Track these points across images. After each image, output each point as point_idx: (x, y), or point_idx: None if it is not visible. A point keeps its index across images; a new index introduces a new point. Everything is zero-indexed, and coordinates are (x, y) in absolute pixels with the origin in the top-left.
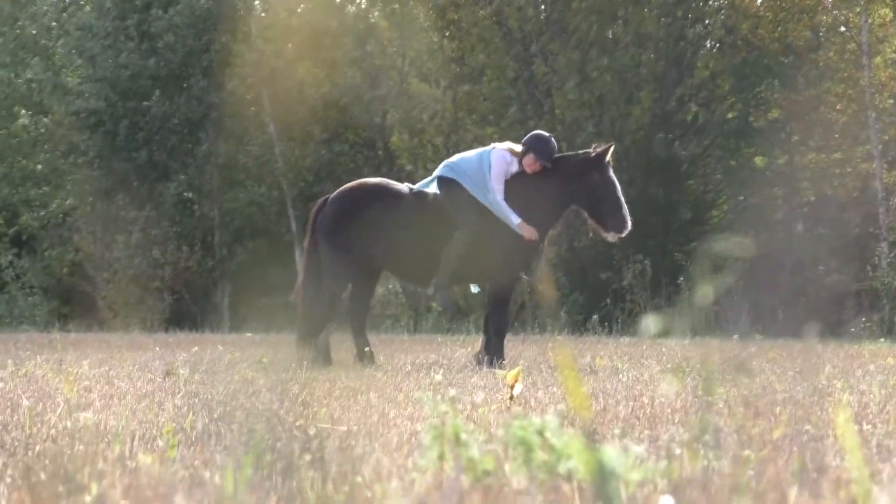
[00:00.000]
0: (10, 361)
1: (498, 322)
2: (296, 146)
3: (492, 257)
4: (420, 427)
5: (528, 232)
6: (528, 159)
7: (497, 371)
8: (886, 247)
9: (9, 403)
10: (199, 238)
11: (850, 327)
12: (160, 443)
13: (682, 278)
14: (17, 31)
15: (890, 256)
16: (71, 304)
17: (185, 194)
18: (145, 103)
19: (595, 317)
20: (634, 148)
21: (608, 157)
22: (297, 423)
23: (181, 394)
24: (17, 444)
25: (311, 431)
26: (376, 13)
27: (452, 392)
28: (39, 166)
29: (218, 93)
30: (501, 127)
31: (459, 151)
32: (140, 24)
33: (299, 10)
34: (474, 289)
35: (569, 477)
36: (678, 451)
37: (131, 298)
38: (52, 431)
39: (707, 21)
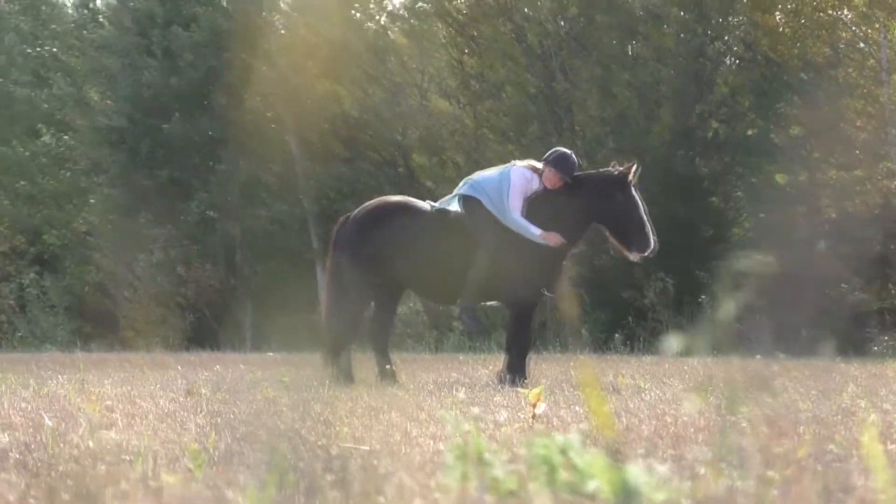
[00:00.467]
0: (32, 381)
1: (520, 341)
2: (317, 164)
3: (513, 276)
4: (443, 446)
5: (553, 238)
6: (549, 173)
7: (520, 390)
8: None
9: (31, 423)
10: (222, 256)
11: (873, 346)
12: (184, 462)
13: (704, 296)
14: (39, 49)
15: None
16: (93, 324)
17: (207, 213)
18: (165, 126)
19: (617, 335)
20: (655, 165)
21: (632, 176)
22: (320, 443)
23: (203, 413)
24: (39, 464)
25: (334, 451)
26: (396, 30)
27: (476, 410)
28: (62, 185)
29: (238, 111)
30: (522, 144)
31: (480, 169)
32: (161, 42)
33: (319, 28)
34: (488, 304)
35: (593, 496)
36: (702, 470)
37: (153, 317)
38: (75, 451)
39: (727, 37)
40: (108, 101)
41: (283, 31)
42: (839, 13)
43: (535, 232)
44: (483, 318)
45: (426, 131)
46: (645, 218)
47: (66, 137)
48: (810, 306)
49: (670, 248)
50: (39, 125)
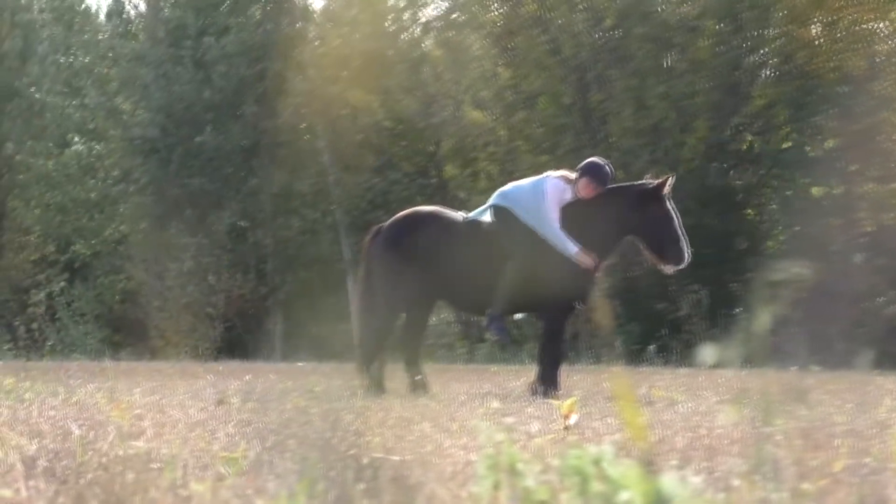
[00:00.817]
0: (61, 389)
1: (553, 352)
2: (349, 174)
3: (546, 287)
4: (475, 457)
5: (587, 261)
6: (583, 183)
7: (552, 401)
8: None
9: (60, 431)
10: (253, 266)
11: None
12: (214, 471)
13: (738, 308)
14: (71, 59)
15: None
16: (122, 333)
17: (239, 222)
18: (198, 139)
19: (651, 347)
20: (690, 177)
21: (667, 189)
22: (351, 453)
23: (233, 422)
24: (68, 472)
25: (365, 461)
26: (430, 41)
27: (508, 421)
28: (92, 194)
29: (271, 121)
30: (556, 155)
31: (513, 180)
32: (193, 53)
33: (353, 39)
34: (518, 315)
35: None
36: (736, 482)
37: (183, 326)
38: (104, 460)
39: (763, 50)
40: (141, 112)
41: (316, 42)
42: (876, 26)
43: (571, 249)
44: (512, 329)
45: (459, 142)
46: (680, 231)
47: (97, 147)
48: (846, 319)
49: (704, 259)
50: (71, 134)
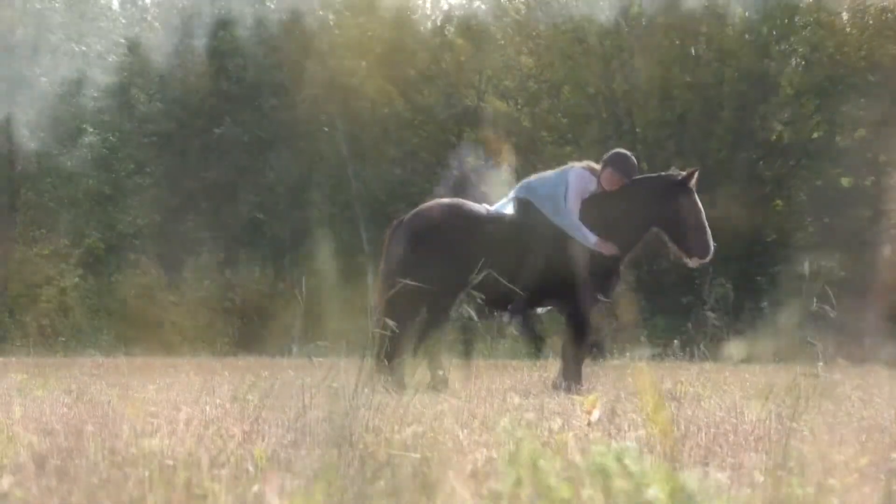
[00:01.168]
0: (74, 386)
1: (576, 347)
2: (368, 165)
3: (569, 280)
4: (496, 453)
5: (607, 248)
6: (607, 174)
7: (574, 396)
8: None
9: (73, 429)
10: (270, 259)
11: None
12: (236, 467)
13: (765, 302)
14: (84, 48)
15: None
16: (137, 328)
17: (256, 214)
18: (216, 130)
19: (676, 341)
20: (716, 167)
21: (693, 181)
22: (370, 450)
23: (250, 419)
24: (81, 470)
25: (384, 458)
26: (452, 29)
27: (530, 417)
28: (106, 187)
29: (289, 112)
30: (581, 146)
31: (537, 171)
32: (210, 42)
33: (372, 28)
34: (539, 309)
35: None
36: (761, 478)
37: (199, 321)
38: (117, 458)
39: (791, 38)
40: (156, 103)
41: (336, 31)
42: None
43: (590, 238)
44: (534, 323)
45: (482, 132)
46: (705, 223)
47: (111, 138)
48: (874, 312)
49: (731, 252)
50: (83, 125)
